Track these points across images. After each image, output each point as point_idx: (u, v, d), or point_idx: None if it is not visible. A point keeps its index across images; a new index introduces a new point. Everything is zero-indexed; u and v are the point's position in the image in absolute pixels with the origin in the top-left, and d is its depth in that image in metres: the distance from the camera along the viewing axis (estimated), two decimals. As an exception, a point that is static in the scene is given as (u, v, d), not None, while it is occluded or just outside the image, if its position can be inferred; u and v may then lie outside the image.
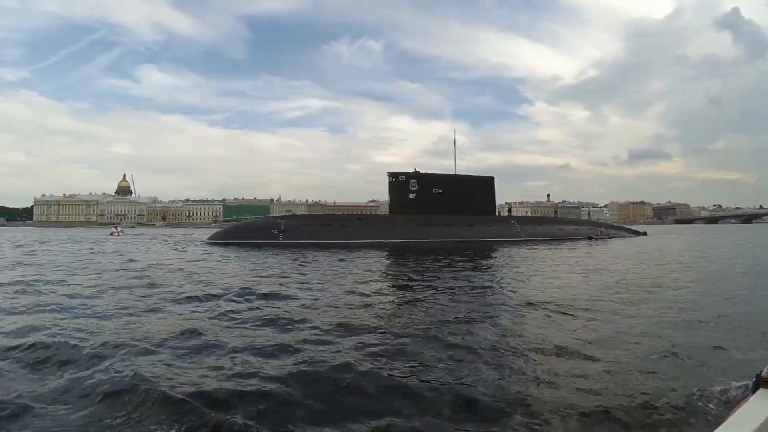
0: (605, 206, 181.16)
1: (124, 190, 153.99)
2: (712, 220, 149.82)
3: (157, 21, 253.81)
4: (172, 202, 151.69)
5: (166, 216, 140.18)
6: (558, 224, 31.53)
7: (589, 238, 27.39)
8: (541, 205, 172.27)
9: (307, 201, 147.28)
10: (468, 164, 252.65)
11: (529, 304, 7.25)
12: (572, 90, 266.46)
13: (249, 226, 31.89)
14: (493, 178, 30.05)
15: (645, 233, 38.06)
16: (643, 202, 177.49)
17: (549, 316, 6.38)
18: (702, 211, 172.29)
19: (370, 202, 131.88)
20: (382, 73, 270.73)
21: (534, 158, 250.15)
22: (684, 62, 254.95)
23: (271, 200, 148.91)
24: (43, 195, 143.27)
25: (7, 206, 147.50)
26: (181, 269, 12.66)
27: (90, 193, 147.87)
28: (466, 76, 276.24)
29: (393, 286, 10.12)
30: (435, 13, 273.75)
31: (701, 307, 7.10)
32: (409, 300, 8.03)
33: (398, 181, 28.38)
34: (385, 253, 19.31)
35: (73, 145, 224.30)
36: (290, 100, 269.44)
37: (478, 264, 14.80)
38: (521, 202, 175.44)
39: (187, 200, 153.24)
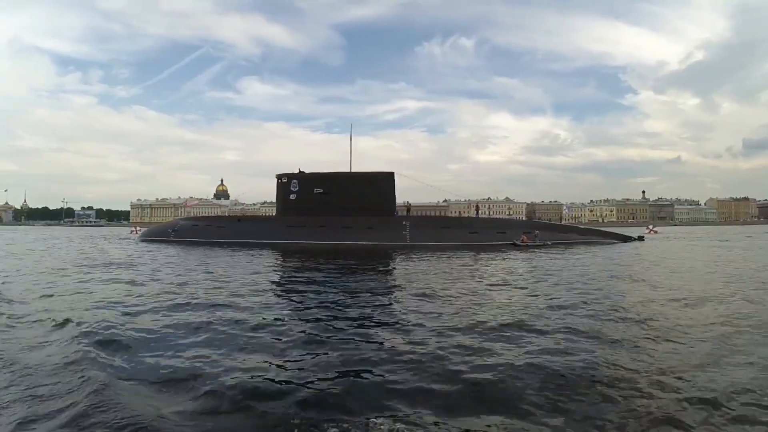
0: (705, 203, 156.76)
1: (221, 194, 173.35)
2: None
3: (255, 35, 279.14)
4: (253, 204, 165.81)
5: (243, 216, 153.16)
6: (472, 227, 27.20)
7: (515, 244, 23.83)
8: (629, 204, 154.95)
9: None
10: (572, 161, 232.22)
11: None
12: (679, 76, 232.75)
13: (156, 227, 37.21)
14: (392, 173, 27.73)
15: (641, 238, 29.07)
16: (746, 199, 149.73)
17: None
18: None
19: (442, 202, 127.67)
20: (477, 70, 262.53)
21: (642, 152, 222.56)
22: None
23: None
24: (138, 199, 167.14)
25: (113, 209, 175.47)
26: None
27: (178, 197, 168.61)
28: (565, 68, 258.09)
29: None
30: (528, 3, 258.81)
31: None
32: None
33: (282, 182, 28.30)
34: (230, 251, 20.30)
35: (183, 154, 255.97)
36: (387, 103, 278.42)
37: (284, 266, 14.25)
38: (606, 200, 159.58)
39: (264, 202, 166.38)
